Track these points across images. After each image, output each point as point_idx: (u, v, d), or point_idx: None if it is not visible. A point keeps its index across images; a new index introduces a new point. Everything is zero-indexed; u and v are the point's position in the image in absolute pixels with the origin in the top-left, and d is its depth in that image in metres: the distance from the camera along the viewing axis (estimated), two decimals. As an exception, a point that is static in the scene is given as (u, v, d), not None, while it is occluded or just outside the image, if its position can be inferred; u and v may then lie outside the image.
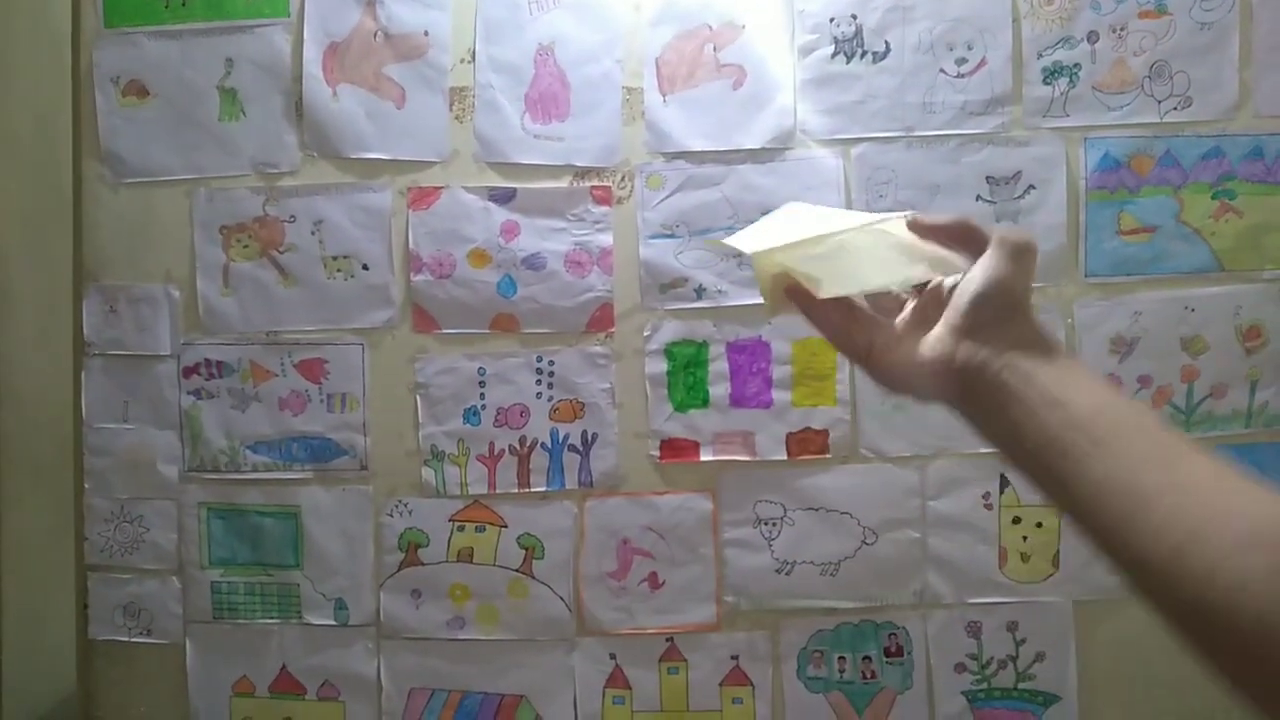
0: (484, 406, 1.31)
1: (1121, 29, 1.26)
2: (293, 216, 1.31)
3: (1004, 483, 1.29)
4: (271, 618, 1.33)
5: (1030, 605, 1.29)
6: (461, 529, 1.32)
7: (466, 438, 1.31)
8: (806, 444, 1.29)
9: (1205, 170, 1.27)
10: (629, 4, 1.29)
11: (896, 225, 0.53)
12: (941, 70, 1.28)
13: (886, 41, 1.28)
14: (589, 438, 1.31)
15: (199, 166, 1.32)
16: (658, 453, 1.31)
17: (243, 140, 1.31)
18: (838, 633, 1.31)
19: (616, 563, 1.31)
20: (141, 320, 1.33)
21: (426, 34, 1.30)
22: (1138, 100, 1.27)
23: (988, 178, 1.28)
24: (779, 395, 1.29)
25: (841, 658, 1.31)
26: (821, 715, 1.31)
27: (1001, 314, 0.46)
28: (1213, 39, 1.26)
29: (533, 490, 1.31)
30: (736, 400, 1.30)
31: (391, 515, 1.32)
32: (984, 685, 1.30)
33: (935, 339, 0.48)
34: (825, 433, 1.29)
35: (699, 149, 1.29)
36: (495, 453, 1.31)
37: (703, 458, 1.30)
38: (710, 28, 1.29)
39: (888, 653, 1.30)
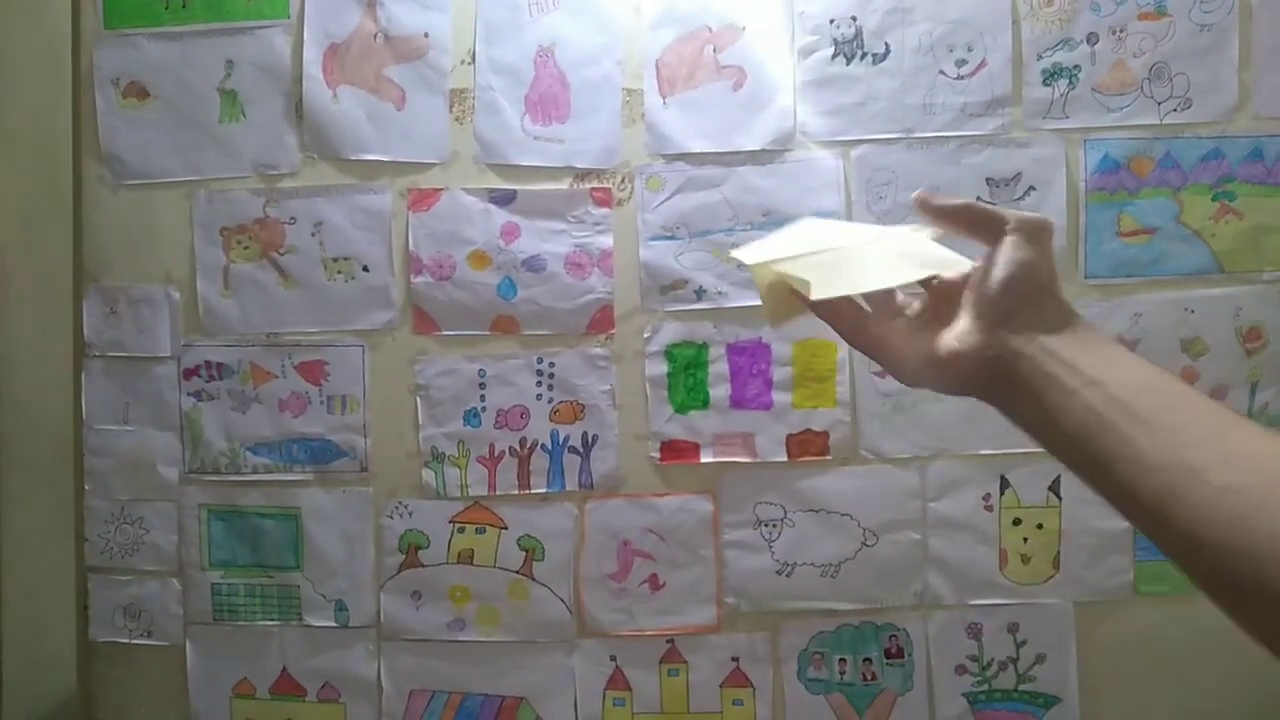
0: (484, 408, 1.31)
1: (1121, 31, 1.26)
2: (293, 218, 1.31)
3: (1004, 484, 1.29)
4: (272, 619, 1.33)
5: (1031, 607, 1.29)
6: (462, 530, 1.32)
7: (467, 439, 1.31)
8: (807, 445, 1.29)
9: (1205, 172, 1.27)
10: (629, 6, 1.29)
11: (904, 233, 0.52)
12: (941, 72, 1.28)
13: (886, 43, 1.28)
14: (589, 439, 1.31)
15: (199, 168, 1.32)
16: (658, 454, 1.31)
17: (243, 142, 1.31)
18: (838, 634, 1.31)
19: (617, 564, 1.31)
20: (142, 322, 1.33)
21: (426, 35, 1.30)
22: (1137, 102, 1.27)
23: (988, 179, 1.28)
24: (779, 397, 1.29)
25: (842, 659, 1.31)
26: (822, 717, 1.31)
27: (1032, 298, 0.46)
28: (1212, 40, 1.26)
29: (533, 492, 1.31)
30: (737, 402, 1.30)
31: (392, 517, 1.32)
32: (985, 687, 1.30)
33: (964, 331, 0.47)
34: (825, 434, 1.29)
35: (699, 151, 1.29)
36: (495, 454, 1.31)
37: (703, 459, 1.30)
38: (710, 29, 1.29)
39: (888, 654, 1.30)
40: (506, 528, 1.32)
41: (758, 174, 1.29)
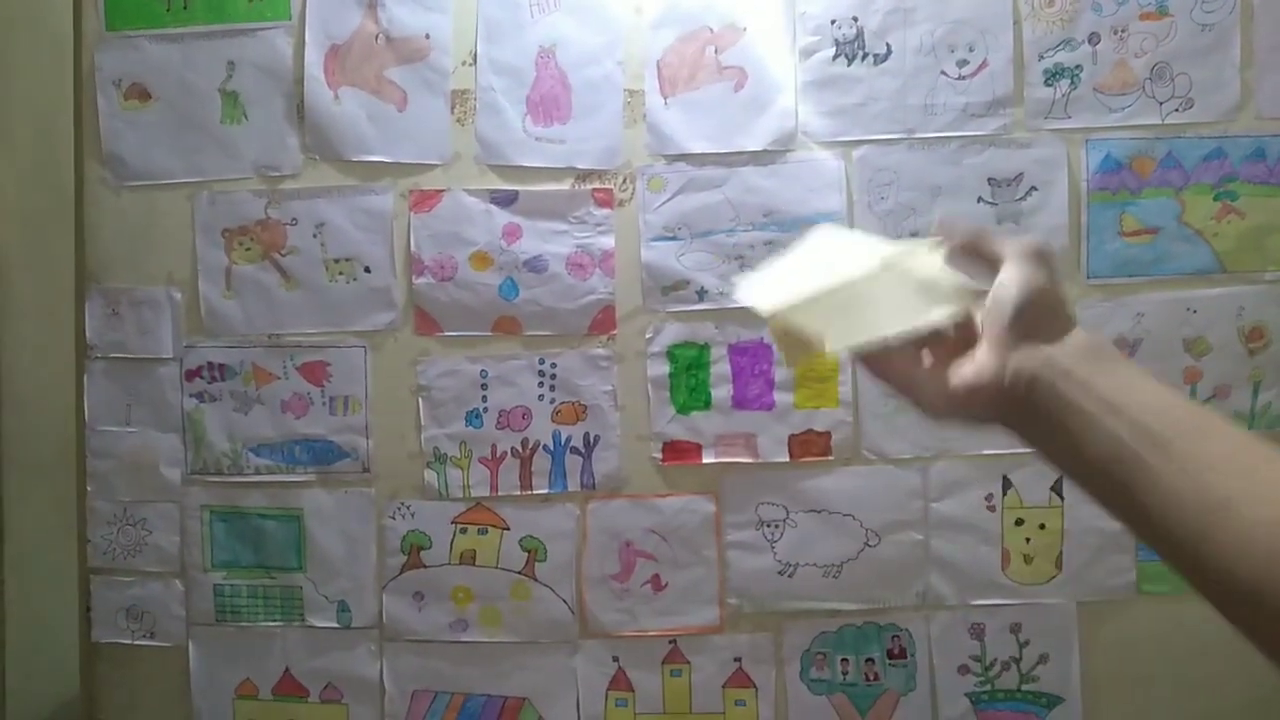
0: (486, 409, 1.31)
1: (1123, 31, 1.26)
2: (294, 219, 1.31)
3: (1006, 484, 1.29)
4: (274, 620, 1.33)
5: (1033, 607, 1.29)
6: (464, 531, 1.32)
7: (469, 440, 1.31)
8: (809, 446, 1.29)
9: (1207, 171, 1.27)
10: (630, 6, 1.29)
11: (922, 257, 0.50)
12: (943, 72, 1.28)
13: (888, 43, 1.28)
14: (591, 440, 1.31)
15: (201, 169, 1.32)
16: (660, 455, 1.31)
17: (244, 143, 1.31)
18: (840, 634, 1.31)
19: (619, 565, 1.31)
20: (144, 323, 1.33)
21: (428, 37, 1.30)
22: (1139, 102, 1.27)
23: (989, 179, 1.28)
24: (781, 397, 1.29)
25: (844, 660, 1.31)
26: (824, 717, 1.31)
27: (1045, 321, 0.45)
28: (1214, 40, 1.26)
29: (535, 492, 1.31)
30: (739, 402, 1.30)
31: (394, 518, 1.32)
32: (987, 687, 1.30)
33: (981, 360, 0.46)
34: (827, 434, 1.29)
35: (700, 151, 1.29)
36: (497, 455, 1.31)
37: (705, 460, 1.30)
38: (711, 30, 1.29)
39: (891, 654, 1.30)
40: (509, 528, 1.32)
41: (759, 174, 1.29)
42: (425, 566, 1.32)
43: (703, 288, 1.29)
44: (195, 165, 1.32)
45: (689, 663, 1.31)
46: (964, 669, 1.30)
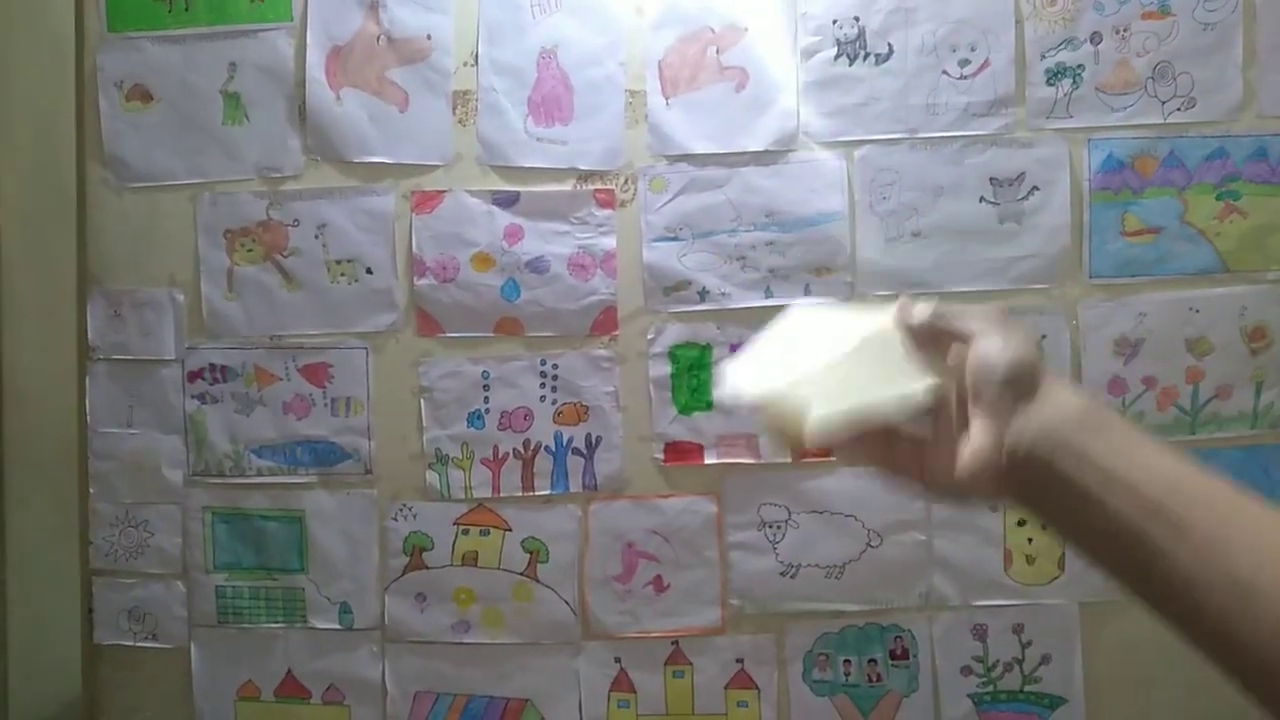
0: (488, 410, 1.31)
1: (1125, 30, 1.26)
2: (296, 220, 1.31)
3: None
4: (276, 622, 1.33)
5: (1036, 608, 1.29)
6: (466, 532, 1.32)
7: (470, 441, 1.31)
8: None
9: (1209, 171, 1.27)
10: (631, 7, 1.29)
11: (886, 333, 0.50)
12: (944, 72, 1.28)
13: (889, 43, 1.28)
14: (593, 441, 1.31)
15: (203, 171, 1.32)
16: (662, 456, 1.30)
17: (246, 144, 1.31)
18: (843, 635, 1.30)
19: (621, 566, 1.31)
20: (146, 324, 1.33)
21: (429, 37, 1.30)
22: (1141, 101, 1.27)
23: (991, 179, 1.28)
24: (783, 398, 1.29)
25: (847, 661, 1.30)
26: (827, 718, 1.30)
27: (1032, 389, 0.43)
28: (1216, 39, 1.26)
29: (537, 494, 1.31)
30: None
31: (396, 519, 1.32)
32: (990, 688, 1.30)
33: (975, 440, 0.44)
34: (829, 435, 1.29)
35: (702, 152, 1.29)
36: (499, 456, 1.31)
37: (707, 460, 1.30)
38: (712, 30, 1.29)
39: (893, 655, 1.30)
40: (511, 530, 1.32)
41: (761, 175, 1.29)
42: (427, 568, 1.32)
43: (704, 288, 1.29)
44: (197, 166, 1.32)
45: (691, 664, 1.31)
46: (966, 670, 1.30)
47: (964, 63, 1.27)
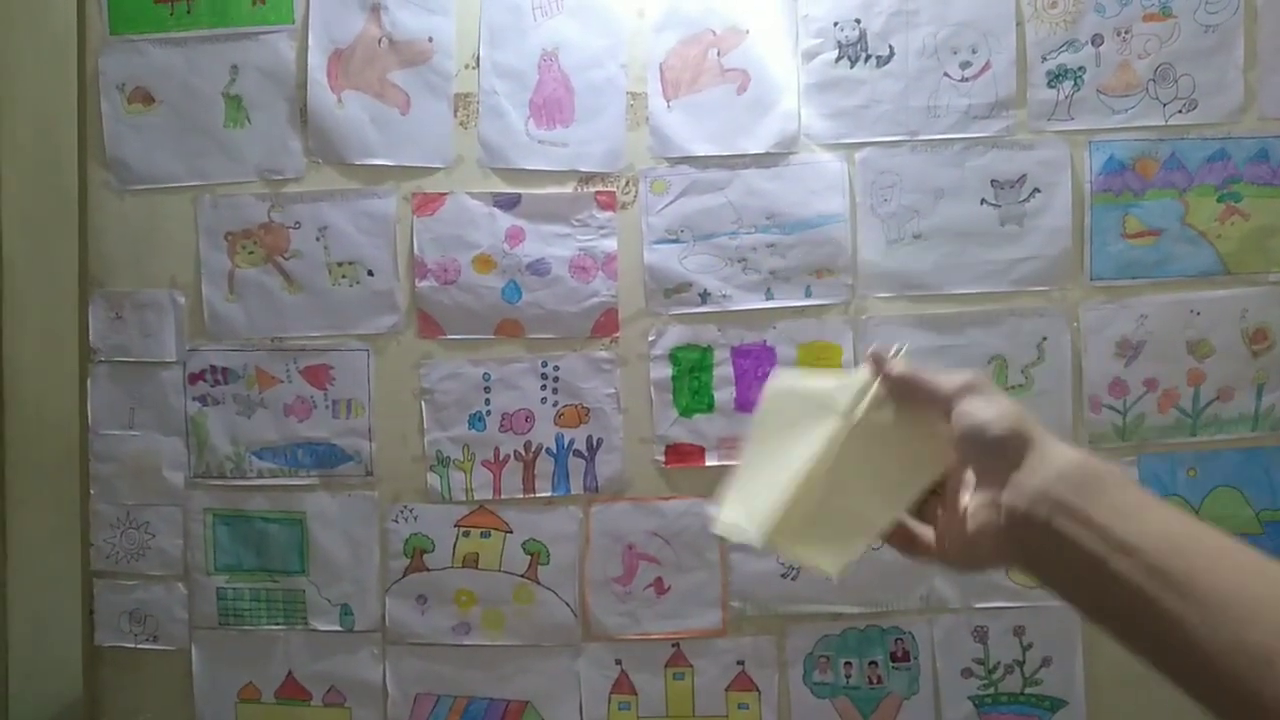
0: (489, 412, 1.31)
1: (1126, 32, 1.26)
2: (298, 223, 1.31)
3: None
4: (277, 624, 1.33)
5: (1037, 610, 1.29)
6: (467, 534, 1.32)
7: (472, 443, 1.31)
8: (812, 448, 1.29)
9: (1210, 173, 1.27)
10: (633, 9, 1.29)
11: (877, 407, 0.50)
12: (945, 74, 1.28)
13: (890, 46, 1.28)
14: (594, 443, 1.31)
15: (204, 173, 1.32)
16: (663, 458, 1.30)
17: (248, 147, 1.31)
18: (844, 638, 1.30)
19: (622, 568, 1.31)
20: (147, 326, 1.33)
21: (431, 40, 1.30)
22: (1142, 103, 1.27)
23: (992, 181, 1.28)
24: (784, 400, 1.29)
25: (848, 663, 1.30)
26: (828, 720, 1.31)
27: (1022, 448, 0.42)
28: (1217, 41, 1.26)
29: (538, 496, 1.31)
30: (742, 405, 1.30)
31: (397, 521, 1.32)
32: (991, 690, 1.30)
33: (974, 503, 0.43)
34: (830, 437, 1.29)
35: (703, 154, 1.29)
36: (500, 458, 1.31)
37: (708, 462, 1.30)
38: (714, 33, 1.29)
39: (894, 658, 1.30)
40: (511, 531, 1.32)
41: (762, 177, 1.29)
42: (428, 570, 1.32)
43: (705, 290, 1.29)
44: (198, 169, 1.32)
45: (692, 666, 1.31)
46: (967, 672, 1.30)
47: (965, 65, 1.27)
